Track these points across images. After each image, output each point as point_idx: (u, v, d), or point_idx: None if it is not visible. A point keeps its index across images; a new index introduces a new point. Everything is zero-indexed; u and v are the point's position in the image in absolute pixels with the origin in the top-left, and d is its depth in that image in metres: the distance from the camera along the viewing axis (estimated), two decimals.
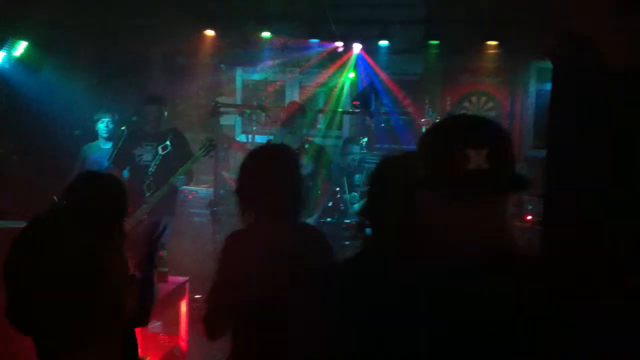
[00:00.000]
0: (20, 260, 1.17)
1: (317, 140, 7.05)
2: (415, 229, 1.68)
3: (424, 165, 1.43)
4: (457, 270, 1.38)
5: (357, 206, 6.42)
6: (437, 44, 7.08)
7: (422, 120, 6.50)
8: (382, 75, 7.48)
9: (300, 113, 5.76)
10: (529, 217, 6.12)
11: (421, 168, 1.43)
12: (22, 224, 4.82)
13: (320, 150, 5.80)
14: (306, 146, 5.59)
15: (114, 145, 5.31)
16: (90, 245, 1.20)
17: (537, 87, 7.40)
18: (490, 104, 7.47)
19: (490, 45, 7.08)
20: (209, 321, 2.60)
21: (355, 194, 6.57)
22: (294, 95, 8.04)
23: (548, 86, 7.19)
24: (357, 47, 7.34)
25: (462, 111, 7.50)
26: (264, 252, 2.53)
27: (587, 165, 3.16)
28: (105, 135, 5.87)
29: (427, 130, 1.52)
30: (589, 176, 3.16)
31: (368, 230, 2.05)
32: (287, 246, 2.54)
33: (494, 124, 1.46)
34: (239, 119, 8.00)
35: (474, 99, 7.52)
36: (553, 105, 3.52)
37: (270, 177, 2.64)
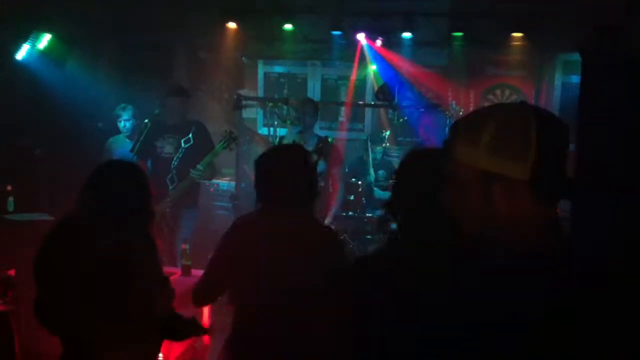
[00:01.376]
0: (51, 259, 1.15)
1: (335, 134, 7.04)
2: (444, 223, 1.65)
3: (482, 153, 1.33)
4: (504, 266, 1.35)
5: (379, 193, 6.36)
6: (461, 36, 6.99)
7: (446, 113, 6.43)
8: (406, 67, 7.42)
9: (311, 110, 5.72)
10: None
11: (478, 155, 1.33)
12: (46, 217, 4.86)
13: (331, 147, 5.74)
14: (319, 145, 5.53)
15: (137, 138, 5.31)
16: (123, 244, 1.18)
17: (562, 79, 7.29)
18: (515, 97, 7.37)
19: (516, 37, 6.99)
20: (198, 290, 2.80)
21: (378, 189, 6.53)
22: (315, 88, 8.01)
23: (574, 79, 7.09)
24: (380, 40, 7.28)
25: (487, 105, 7.41)
26: (266, 235, 2.68)
27: (617, 160, 3.10)
28: (126, 128, 5.89)
29: (486, 116, 1.38)
30: (619, 171, 3.10)
31: (393, 226, 2.03)
32: (289, 232, 2.67)
33: (559, 122, 1.37)
34: (261, 111, 8.00)
35: (498, 92, 7.43)
36: (582, 99, 3.45)
37: (277, 172, 2.76)
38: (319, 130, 6.36)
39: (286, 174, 2.74)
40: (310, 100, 5.98)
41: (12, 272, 2.72)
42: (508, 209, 1.34)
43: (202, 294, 2.84)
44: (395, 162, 6.93)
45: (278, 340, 2.62)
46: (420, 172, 1.93)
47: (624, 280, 1.35)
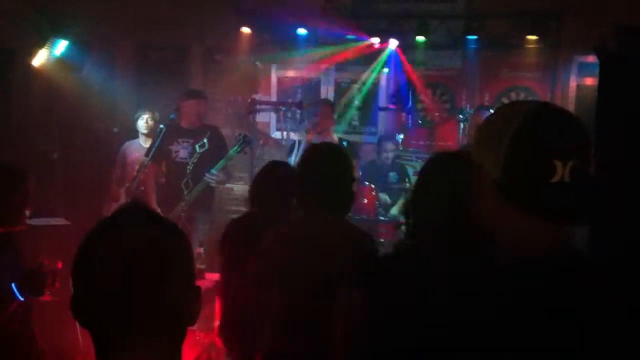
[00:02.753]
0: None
1: (348, 138, 7.02)
2: (460, 230, 1.64)
3: (496, 166, 1.27)
4: (520, 278, 1.29)
5: (394, 209, 6.34)
6: (476, 39, 6.96)
7: (460, 117, 6.40)
8: (420, 70, 7.40)
9: (328, 114, 5.70)
10: None
11: (492, 169, 1.28)
12: (62, 221, 4.88)
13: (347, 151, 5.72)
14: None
15: (152, 142, 5.33)
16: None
17: (578, 81, 7.24)
18: (532, 99, 7.33)
19: (530, 40, 6.94)
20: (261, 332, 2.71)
21: (385, 196, 6.49)
22: (328, 92, 8.01)
23: (589, 81, 7.05)
24: (393, 43, 7.27)
25: None
26: (307, 246, 2.62)
27: (637, 163, 3.07)
28: (144, 132, 5.90)
29: (507, 116, 1.31)
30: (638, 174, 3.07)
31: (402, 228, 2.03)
32: (319, 241, 2.61)
33: (581, 125, 1.30)
34: (274, 116, 8.01)
35: (513, 94, 7.39)
36: (600, 101, 3.42)
37: (328, 171, 2.72)
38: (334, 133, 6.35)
39: (336, 173, 2.72)
40: (328, 102, 5.95)
41: (59, 265, 2.79)
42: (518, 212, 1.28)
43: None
44: (408, 165, 6.91)
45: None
46: (443, 176, 1.92)
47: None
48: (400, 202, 6.13)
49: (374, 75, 7.74)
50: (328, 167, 2.74)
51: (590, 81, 7.04)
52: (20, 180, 2.79)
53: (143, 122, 5.89)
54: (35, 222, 5.08)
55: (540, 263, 1.28)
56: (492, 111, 5.75)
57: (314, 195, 2.71)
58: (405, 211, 2.05)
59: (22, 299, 2.67)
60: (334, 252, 2.57)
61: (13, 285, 2.66)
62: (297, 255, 2.63)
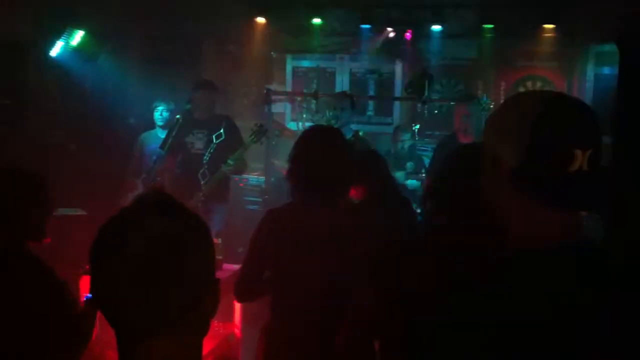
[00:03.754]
0: (107, 247, 1.18)
1: (364, 128, 7.00)
2: (481, 220, 1.64)
3: (515, 156, 1.28)
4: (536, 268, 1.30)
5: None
6: (491, 28, 6.91)
7: (478, 106, 6.35)
8: (435, 60, 7.36)
9: (348, 105, 5.68)
10: None
11: (511, 160, 1.29)
12: (80, 212, 4.92)
13: (363, 141, 5.70)
14: (353, 140, 5.49)
15: (168, 134, 5.34)
16: (179, 236, 1.19)
17: (595, 71, 7.17)
18: (546, 89, 7.28)
19: (547, 29, 6.87)
20: (240, 286, 2.79)
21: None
22: (344, 82, 7.99)
23: (606, 70, 6.98)
24: (408, 32, 7.24)
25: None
26: (301, 226, 2.65)
27: None
28: (160, 123, 5.91)
29: (524, 106, 1.33)
30: None
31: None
32: (321, 225, 2.63)
33: (595, 116, 1.32)
34: (289, 106, 8.01)
35: (529, 83, 7.35)
36: (620, 91, 3.39)
37: (316, 155, 2.72)
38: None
39: (328, 154, 2.71)
40: (347, 95, 5.90)
41: None
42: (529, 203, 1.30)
43: (244, 290, 2.82)
44: (424, 156, 6.88)
45: (316, 330, 2.64)
46: (463, 168, 1.92)
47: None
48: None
49: (389, 65, 7.72)
50: (325, 149, 2.73)
51: (607, 70, 6.97)
52: (40, 189, 2.54)
53: (158, 114, 5.90)
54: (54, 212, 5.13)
55: (554, 252, 1.28)
56: (477, 99, 5.76)
57: (310, 178, 2.70)
58: (423, 200, 2.05)
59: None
60: (337, 244, 2.59)
61: (88, 296, 2.66)
62: (293, 235, 2.65)
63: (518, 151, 1.28)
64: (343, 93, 6.11)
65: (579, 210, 1.32)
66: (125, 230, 1.16)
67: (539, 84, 7.31)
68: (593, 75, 7.16)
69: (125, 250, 1.13)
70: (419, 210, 5.29)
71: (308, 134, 2.89)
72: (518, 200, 1.31)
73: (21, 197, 2.46)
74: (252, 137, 5.19)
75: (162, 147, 5.29)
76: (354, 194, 3.95)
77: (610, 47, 6.18)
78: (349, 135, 5.50)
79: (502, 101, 6.38)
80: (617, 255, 1.35)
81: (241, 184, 7.15)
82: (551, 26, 6.83)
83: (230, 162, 5.19)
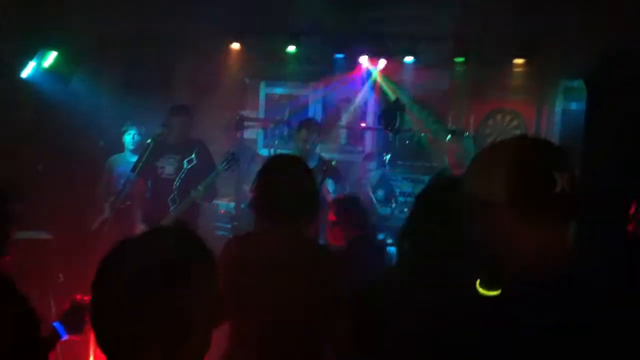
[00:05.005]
0: (110, 271, 1.19)
1: (335, 156, 7.02)
2: (461, 252, 1.68)
3: (503, 185, 1.45)
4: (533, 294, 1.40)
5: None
6: (463, 61, 7.02)
7: (447, 137, 6.42)
8: (408, 91, 7.45)
9: (314, 132, 5.66)
10: None
11: (497, 189, 1.46)
12: (45, 235, 4.83)
13: (333, 167, 5.69)
14: (322, 166, 5.47)
15: (139, 157, 5.30)
16: (183, 262, 1.20)
17: (563, 105, 7.31)
18: (516, 122, 7.40)
19: (517, 63, 7.01)
20: None
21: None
22: (317, 110, 8.03)
23: (574, 105, 7.12)
24: (382, 63, 7.32)
25: (487, 129, 7.45)
26: (260, 254, 2.62)
27: (621, 185, 3.10)
28: (131, 147, 5.87)
29: (496, 152, 1.54)
30: (623, 196, 3.10)
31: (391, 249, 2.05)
32: (282, 255, 2.61)
33: (562, 147, 1.53)
34: (261, 132, 8.01)
35: (499, 116, 7.46)
36: (587, 125, 3.46)
37: (278, 184, 2.71)
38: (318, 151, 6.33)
39: (291, 183, 2.69)
40: (313, 121, 5.92)
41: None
42: (512, 235, 1.46)
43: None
44: (395, 185, 6.93)
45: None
46: (441, 202, 1.94)
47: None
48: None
49: (362, 94, 7.79)
50: (289, 177, 2.72)
51: (575, 105, 7.12)
52: (2, 203, 2.44)
53: (130, 138, 5.86)
54: (18, 235, 5.03)
55: (551, 277, 1.42)
56: (467, 134, 5.87)
57: (274, 207, 2.68)
58: (400, 236, 2.06)
59: (66, 337, 2.59)
60: (301, 274, 2.57)
61: (57, 324, 2.59)
62: (251, 264, 2.62)
63: (508, 185, 1.45)
64: (308, 120, 6.10)
65: (568, 222, 1.50)
66: (128, 257, 1.17)
67: (508, 117, 7.43)
68: (561, 110, 7.29)
69: (126, 275, 1.14)
70: (389, 241, 5.31)
71: (270, 163, 2.89)
72: (512, 231, 1.46)
73: None
74: (224, 164, 5.17)
75: (133, 170, 5.25)
76: (332, 239, 4.00)
77: (578, 83, 6.33)
78: (315, 162, 5.48)
79: (472, 133, 6.48)
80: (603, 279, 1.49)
81: (211, 210, 7.09)
82: (522, 60, 6.97)
83: (200, 188, 5.17)
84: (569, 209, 1.47)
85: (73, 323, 2.60)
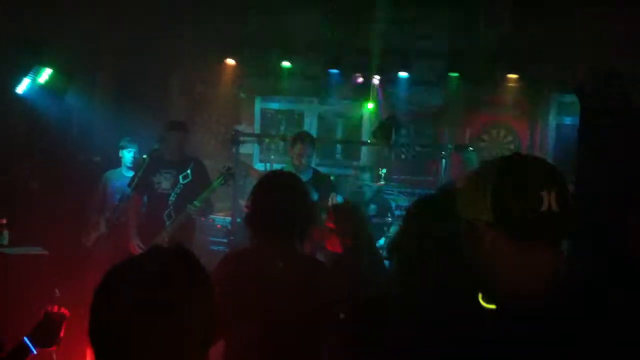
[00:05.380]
0: (109, 290, 1.23)
1: (330, 170, 7.03)
2: (448, 269, 1.67)
3: (488, 206, 1.42)
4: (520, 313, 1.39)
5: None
6: (457, 77, 7.07)
7: (442, 153, 6.45)
8: (402, 106, 7.49)
9: (308, 145, 5.65)
10: None
11: (484, 209, 1.43)
12: (40, 251, 4.82)
13: (327, 181, 5.68)
14: (316, 180, 5.43)
15: (135, 173, 5.30)
16: (179, 284, 1.23)
17: (557, 120, 7.36)
18: (510, 137, 7.44)
19: (511, 79, 7.06)
20: None
21: None
22: (312, 125, 8.05)
23: (567, 120, 7.17)
24: (377, 79, 7.36)
25: (482, 144, 7.48)
26: (256, 270, 2.61)
27: (614, 200, 3.12)
28: (129, 164, 5.85)
29: (483, 172, 1.50)
30: (616, 211, 3.12)
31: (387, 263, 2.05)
32: (277, 271, 2.60)
33: (552, 165, 1.49)
34: (257, 147, 8.03)
35: (493, 131, 7.50)
36: (580, 139, 3.49)
37: (274, 201, 2.70)
38: (314, 165, 6.33)
39: (285, 199, 2.69)
40: (308, 135, 5.85)
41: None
42: (501, 255, 1.42)
43: None
44: (391, 199, 6.94)
45: None
46: (426, 221, 1.94)
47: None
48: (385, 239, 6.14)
49: (357, 110, 7.82)
50: (284, 194, 2.71)
51: (568, 120, 7.17)
52: None
53: (130, 155, 5.83)
54: (13, 251, 5.02)
55: (539, 299, 1.40)
56: (471, 149, 5.88)
57: (268, 223, 2.67)
58: (390, 251, 2.06)
59: (35, 352, 2.58)
60: (296, 290, 2.56)
61: (26, 339, 2.58)
62: (247, 279, 2.59)
63: (494, 206, 1.41)
64: (303, 133, 6.08)
65: (557, 241, 1.45)
66: (128, 277, 1.19)
67: (503, 132, 7.46)
68: (555, 125, 7.34)
69: (125, 294, 1.16)
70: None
71: (265, 179, 2.88)
72: (498, 251, 1.43)
73: None
74: (220, 179, 5.17)
75: (129, 185, 5.25)
76: (329, 246, 3.99)
77: (571, 98, 6.38)
78: (309, 174, 5.38)
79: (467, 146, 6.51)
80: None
81: (207, 225, 7.08)
82: (515, 76, 7.02)
83: (196, 203, 5.17)
84: (557, 228, 1.42)
85: (46, 335, 2.59)
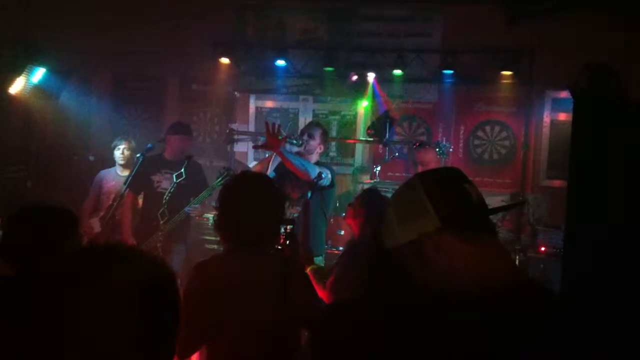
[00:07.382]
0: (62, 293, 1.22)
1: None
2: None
3: (431, 212, 1.42)
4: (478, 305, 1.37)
5: None
6: (451, 73, 7.07)
7: (437, 149, 6.46)
8: (397, 103, 7.49)
9: (317, 133, 5.59)
10: (543, 249, 6.08)
11: (428, 218, 1.43)
12: None
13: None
14: None
15: (130, 172, 5.30)
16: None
17: (551, 117, 7.36)
18: (504, 134, 7.45)
19: (505, 75, 7.08)
20: (180, 342, 2.59)
21: None
22: (306, 123, 8.03)
23: (562, 116, 7.18)
24: (371, 76, 7.36)
25: (477, 141, 7.49)
26: (232, 280, 2.52)
27: (607, 198, 3.13)
28: (121, 162, 5.87)
29: (411, 185, 1.51)
30: (611, 207, 3.13)
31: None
32: (249, 277, 2.53)
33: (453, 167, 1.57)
34: (251, 145, 8.02)
35: (487, 128, 7.50)
36: (574, 138, 3.49)
37: (244, 206, 2.60)
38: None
39: (255, 202, 2.58)
40: (318, 124, 5.64)
41: None
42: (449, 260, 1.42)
43: (184, 346, 2.53)
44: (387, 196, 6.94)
45: None
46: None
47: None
48: None
49: (352, 107, 7.82)
50: (251, 198, 2.61)
51: (563, 116, 7.18)
52: (73, 225, 2.60)
53: (119, 153, 5.86)
54: None
55: (497, 293, 1.37)
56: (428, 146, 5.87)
57: (238, 228, 2.59)
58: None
59: None
60: (269, 296, 2.51)
61: None
62: (229, 301, 2.50)
63: (434, 214, 1.42)
64: (314, 121, 6.09)
65: (495, 233, 1.47)
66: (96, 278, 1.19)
67: (497, 129, 7.47)
68: (550, 121, 7.34)
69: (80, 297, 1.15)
70: None
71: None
72: (458, 254, 1.42)
73: (56, 230, 2.52)
74: (219, 180, 5.14)
75: (125, 184, 5.25)
76: (353, 226, 3.82)
77: (565, 94, 6.39)
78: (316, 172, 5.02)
79: (461, 145, 6.53)
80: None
81: (200, 223, 7.07)
82: (509, 73, 7.03)
83: (195, 203, 5.18)
84: (488, 217, 1.47)
85: None
